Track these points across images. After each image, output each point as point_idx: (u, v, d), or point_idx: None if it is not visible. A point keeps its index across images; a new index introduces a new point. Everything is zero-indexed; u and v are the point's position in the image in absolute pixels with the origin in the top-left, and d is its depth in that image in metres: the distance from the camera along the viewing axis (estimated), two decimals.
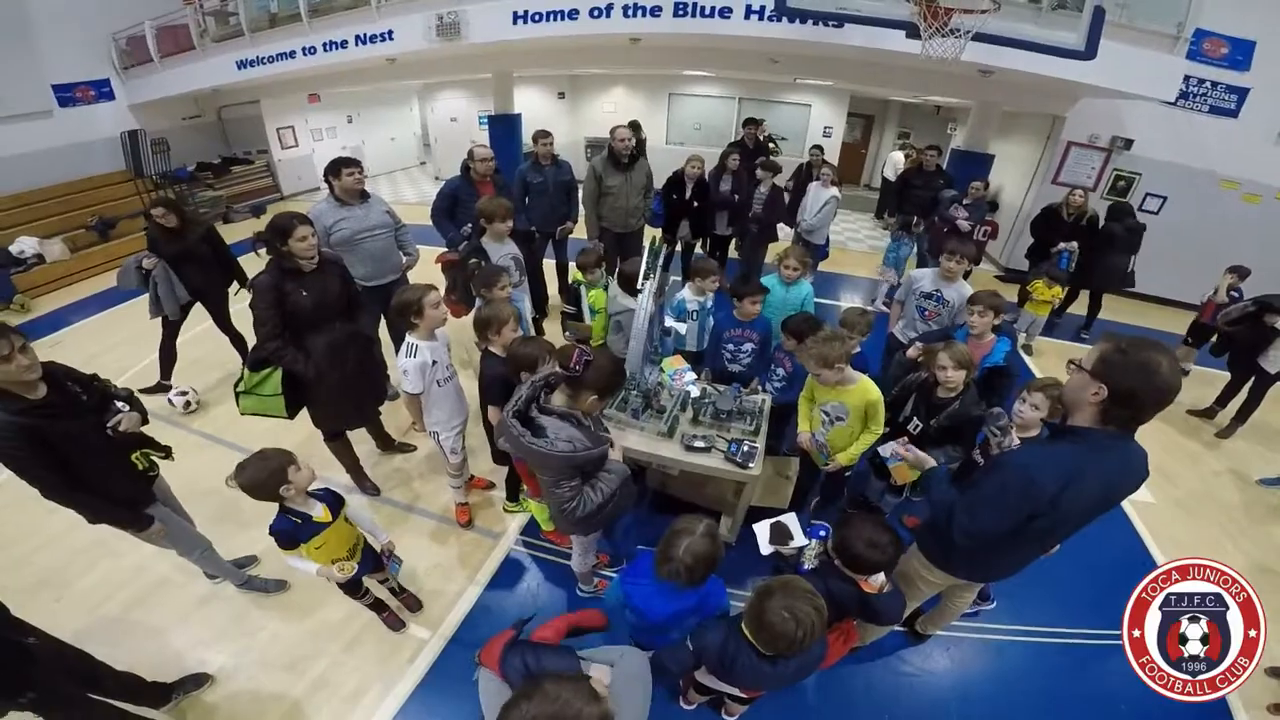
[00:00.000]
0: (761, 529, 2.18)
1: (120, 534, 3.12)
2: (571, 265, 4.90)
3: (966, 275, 3.80)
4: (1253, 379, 4.56)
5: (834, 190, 5.95)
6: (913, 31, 4.29)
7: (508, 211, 3.74)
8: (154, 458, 2.51)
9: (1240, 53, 6.32)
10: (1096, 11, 4.05)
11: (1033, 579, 2.76)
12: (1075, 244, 5.61)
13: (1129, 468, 1.68)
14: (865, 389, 2.73)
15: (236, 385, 2.92)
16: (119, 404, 2.31)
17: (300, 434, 3.42)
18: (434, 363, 2.78)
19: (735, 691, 2.09)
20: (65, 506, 2.20)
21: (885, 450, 2.54)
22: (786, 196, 6.47)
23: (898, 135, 12.52)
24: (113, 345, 5.57)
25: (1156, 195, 7.19)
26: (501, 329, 2.78)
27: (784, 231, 6.43)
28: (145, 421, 2.43)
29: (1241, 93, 6.47)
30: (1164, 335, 6.30)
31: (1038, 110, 7.27)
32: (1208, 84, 6.51)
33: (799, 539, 2.12)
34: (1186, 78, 6.03)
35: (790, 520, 2.19)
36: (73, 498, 2.18)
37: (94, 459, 2.19)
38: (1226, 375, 4.82)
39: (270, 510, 2.25)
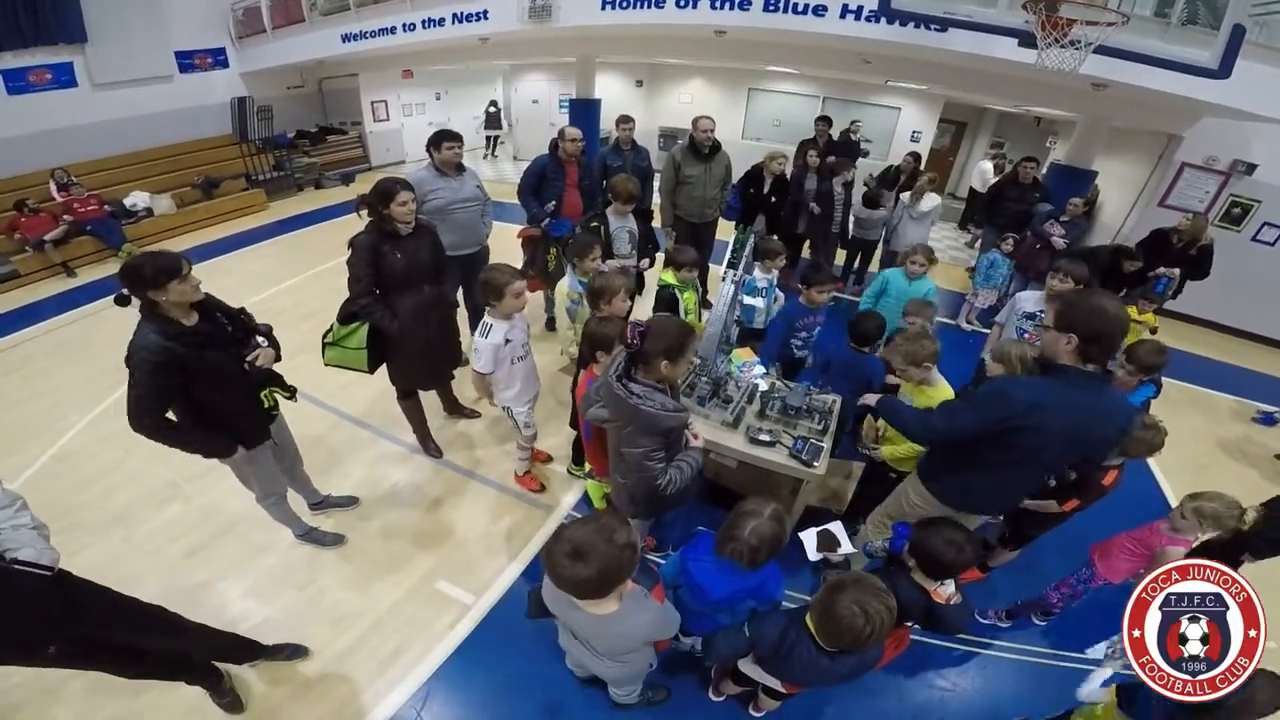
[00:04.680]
0: (808, 536, 2.17)
1: (193, 477, 3.39)
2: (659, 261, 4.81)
3: None
4: None
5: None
6: (1026, 40, 4.05)
7: (631, 194, 4.08)
8: (280, 396, 2.59)
9: None
10: (1235, 30, 3.70)
11: (1086, 608, 2.78)
12: (1176, 270, 5.17)
13: (1100, 408, 1.95)
14: (944, 393, 2.73)
15: (325, 336, 3.07)
16: (259, 339, 2.40)
17: (374, 389, 3.57)
18: (508, 342, 2.86)
19: (776, 685, 2.09)
20: (160, 442, 2.21)
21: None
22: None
23: (990, 144, 11.89)
24: (211, 292, 5.99)
25: (1276, 225, 6.54)
26: (613, 299, 2.86)
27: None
28: (279, 359, 2.51)
29: None
30: (1266, 379, 5.80)
31: (1152, 128, 6.73)
32: None
33: (846, 546, 2.13)
34: None
35: (837, 528, 2.19)
36: (174, 435, 2.21)
37: (227, 391, 2.29)
38: None
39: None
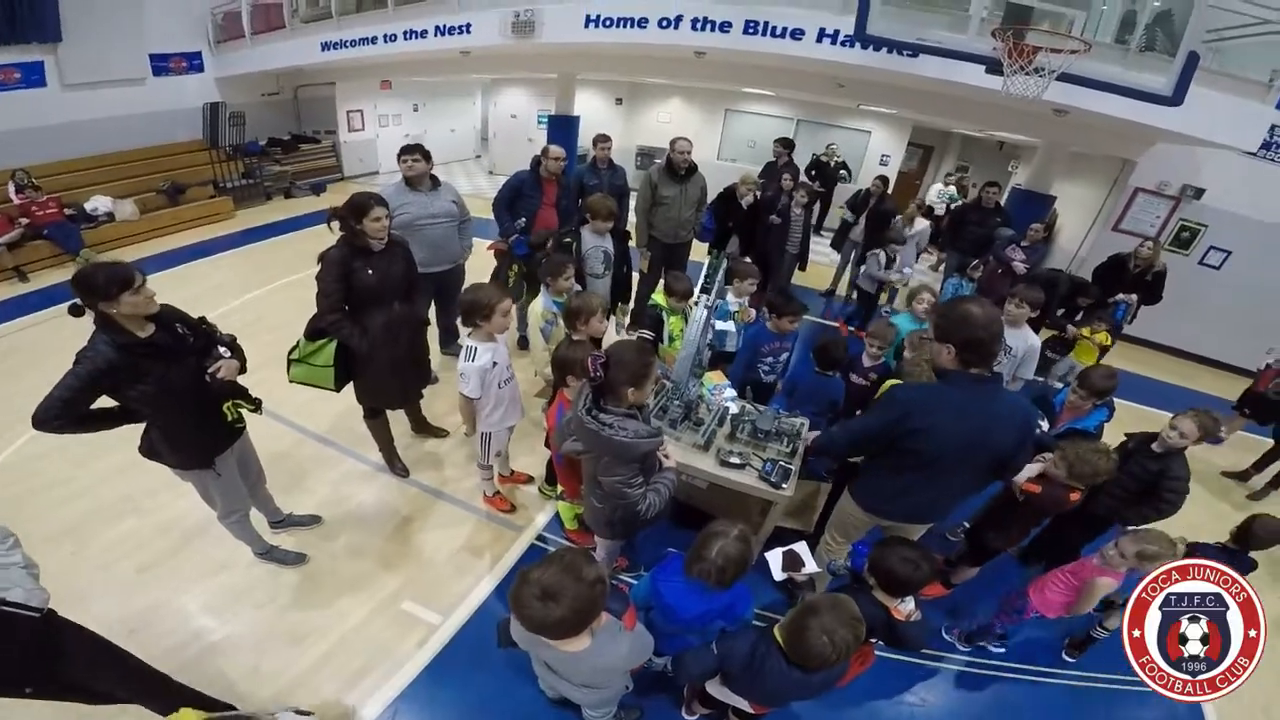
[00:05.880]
0: (774, 556, 2.20)
1: (151, 492, 3.26)
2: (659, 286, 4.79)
3: (1033, 323, 3.69)
4: None
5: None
6: (993, 67, 4.22)
7: (610, 213, 4.06)
8: (244, 409, 2.52)
9: None
10: (1190, 57, 3.90)
11: (1051, 623, 2.84)
12: (1135, 296, 5.38)
13: (993, 410, 2.03)
14: None
15: (291, 352, 3.00)
16: (221, 350, 2.33)
17: (339, 405, 3.49)
18: (494, 364, 2.82)
19: (745, 706, 2.10)
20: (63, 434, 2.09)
21: None
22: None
23: (955, 168, 12.26)
24: (171, 303, 5.81)
25: (1221, 249, 6.85)
26: (589, 319, 2.86)
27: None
28: (243, 371, 2.43)
29: None
30: (1211, 400, 6.02)
31: (1108, 153, 7.02)
32: None
33: (810, 566, 2.15)
34: (1272, 127, 5.77)
35: (801, 548, 2.21)
36: (81, 427, 2.10)
37: (183, 404, 2.22)
38: (1268, 442, 4.72)
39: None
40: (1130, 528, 2.71)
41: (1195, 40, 3.91)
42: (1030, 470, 2.57)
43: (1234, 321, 6.88)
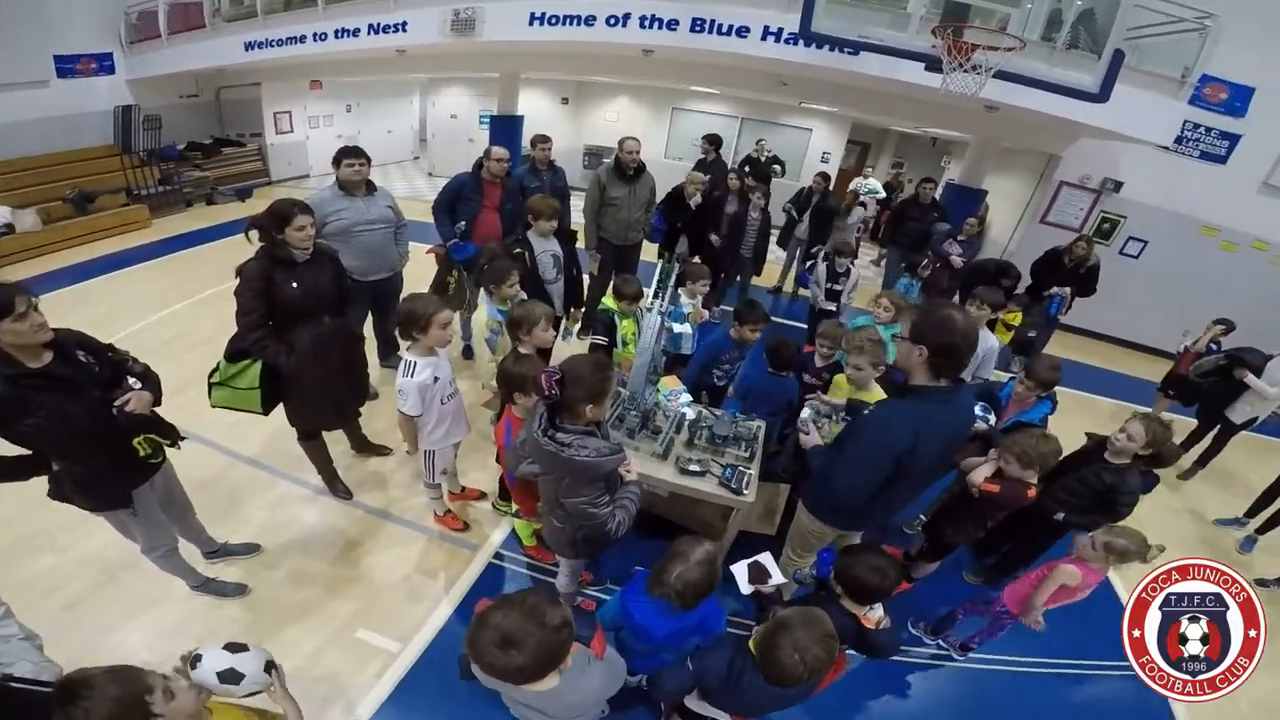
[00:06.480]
0: (740, 570, 2.15)
1: (66, 528, 2.98)
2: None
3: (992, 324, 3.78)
4: (1218, 427, 4.72)
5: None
6: (932, 65, 4.31)
7: (554, 212, 3.84)
8: (159, 442, 2.29)
9: (1239, 99, 6.37)
10: (1116, 55, 4.08)
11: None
12: (1068, 289, 5.61)
13: (961, 416, 2.06)
14: (879, 397, 2.90)
15: (211, 375, 2.77)
16: (131, 380, 2.12)
17: (271, 425, 3.26)
18: (435, 379, 2.65)
19: (725, 718, 2.05)
20: None
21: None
22: (784, 217, 6.55)
23: (892, 164, 12.69)
24: (81, 322, 5.34)
25: (1138, 239, 7.32)
26: (533, 329, 2.71)
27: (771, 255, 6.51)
28: (158, 402, 2.23)
29: (1233, 139, 6.56)
30: (1138, 382, 6.41)
31: (1036, 148, 7.36)
32: (1202, 129, 6.57)
33: (777, 577, 2.12)
34: (1184, 122, 6.10)
35: (767, 559, 2.18)
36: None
37: (87, 441, 2.00)
38: (1192, 422, 4.97)
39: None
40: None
41: (1119, 38, 4.09)
42: (984, 470, 2.61)
43: (1152, 307, 7.33)
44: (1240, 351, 4.47)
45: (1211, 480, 4.94)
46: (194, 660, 1.51)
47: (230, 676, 1.52)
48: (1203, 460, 4.91)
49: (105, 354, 2.10)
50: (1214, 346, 4.93)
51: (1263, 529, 4.11)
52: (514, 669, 1.33)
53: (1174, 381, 5.19)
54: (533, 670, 1.36)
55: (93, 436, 2.01)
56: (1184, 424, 4.99)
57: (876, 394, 2.94)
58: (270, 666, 1.62)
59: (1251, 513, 4.28)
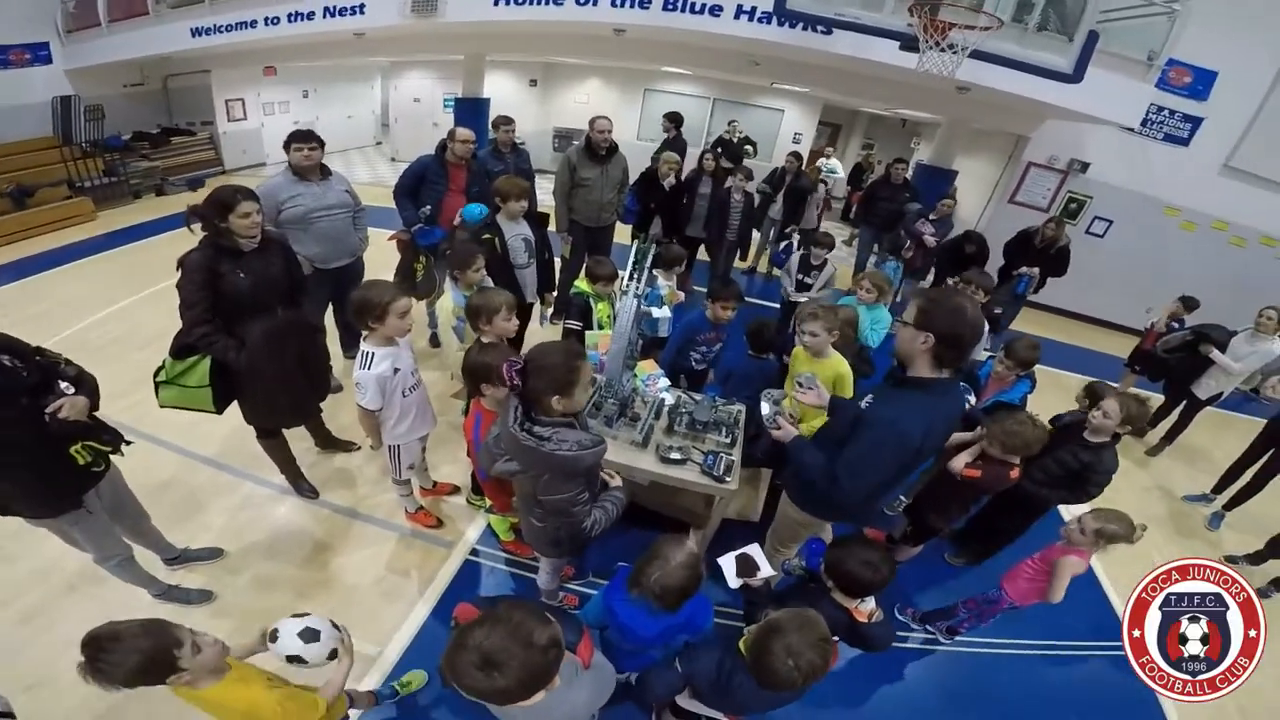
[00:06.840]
0: (727, 563, 2.08)
1: (12, 535, 2.78)
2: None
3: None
4: (1184, 403, 4.80)
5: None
6: (907, 44, 4.25)
7: (523, 192, 3.66)
8: (99, 449, 2.13)
9: (1202, 83, 6.49)
10: (1090, 36, 4.09)
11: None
12: (1036, 270, 5.63)
13: (958, 405, 2.04)
14: (837, 363, 2.94)
15: (157, 374, 2.59)
16: (64, 385, 1.98)
17: (229, 423, 3.08)
18: (396, 370, 2.51)
19: (719, 717, 2.00)
20: None
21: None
22: (757, 199, 6.47)
23: (862, 145, 12.73)
24: (18, 321, 5.02)
25: (1104, 219, 7.46)
26: (493, 318, 2.59)
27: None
28: (95, 407, 2.09)
29: (1196, 122, 6.70)
30: (1105, 358, 6.53)
31: (1005, 129, 7.42)
32: (1166, 112, 6.69)
33: (765, 570, 2.05)
34: (1149, 105, 6.16)
35: (755, 551, 2.11)
36: None
37: (16, 450, 1.86)
38: (1160, 398, 5.02)
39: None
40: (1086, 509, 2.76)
41: (1092, 20, 4.10)
42: (966, 455, 2.58)
43: (1118, 284, 7.50)
44: (1205, 328, 4.54)
45: (1179, 456, 5.03)
46: (272, 635, 1.65)
47: (309, 635, 1.67)
48: (1170, 436, 5.00)
49: (33, 358, 1.96)
50: (1174, 325, 5.01)
51: (1229, 505, 4.20)
52: (495, 691, 1.21)
53: (1140, 357, 5.27)
54: (517, 693, 1.24)
55: (20, 446, 1.87)
56: (1153, 400, 5.16)
57: (835, 361, 2.93)
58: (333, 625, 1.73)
59: (1218, 489, 4.37)
